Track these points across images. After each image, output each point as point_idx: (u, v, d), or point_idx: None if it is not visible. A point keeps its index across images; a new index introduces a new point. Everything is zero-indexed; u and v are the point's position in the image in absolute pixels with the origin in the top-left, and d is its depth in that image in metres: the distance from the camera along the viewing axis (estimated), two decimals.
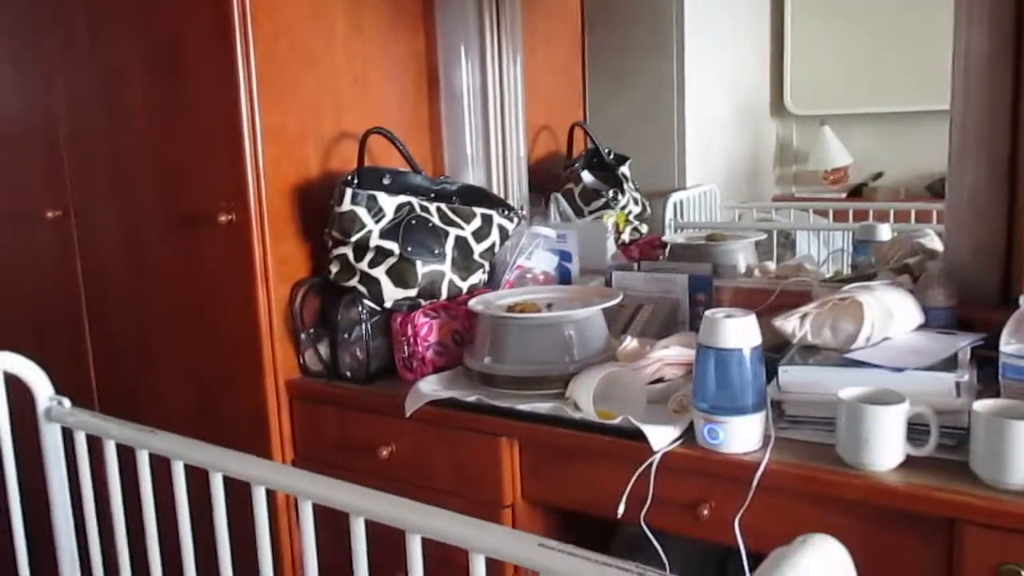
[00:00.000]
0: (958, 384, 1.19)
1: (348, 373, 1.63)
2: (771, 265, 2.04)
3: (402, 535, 0.91)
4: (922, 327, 1.39)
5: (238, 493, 1.10)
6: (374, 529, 0.96)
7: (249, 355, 1.66)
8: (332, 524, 1.03)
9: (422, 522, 0.88)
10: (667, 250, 2.08)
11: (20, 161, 2.01)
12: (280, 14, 1.62)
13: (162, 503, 1.20)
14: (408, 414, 1.48)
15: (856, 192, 2.28)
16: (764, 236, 2.12)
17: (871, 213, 2.12)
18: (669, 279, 1.74)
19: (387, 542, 0.98)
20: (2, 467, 1.31)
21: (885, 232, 1.88)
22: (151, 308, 1.82)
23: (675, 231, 2.22)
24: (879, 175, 2.26)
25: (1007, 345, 1.20)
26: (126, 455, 1.21)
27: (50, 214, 1.94)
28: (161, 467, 1.16)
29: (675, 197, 2.23)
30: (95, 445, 1.25)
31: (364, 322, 1.60)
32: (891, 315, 1.32)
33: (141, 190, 1.78)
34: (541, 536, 0.79)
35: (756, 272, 1.98)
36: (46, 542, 1.37)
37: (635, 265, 1.89)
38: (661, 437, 1.25)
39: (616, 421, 1.30)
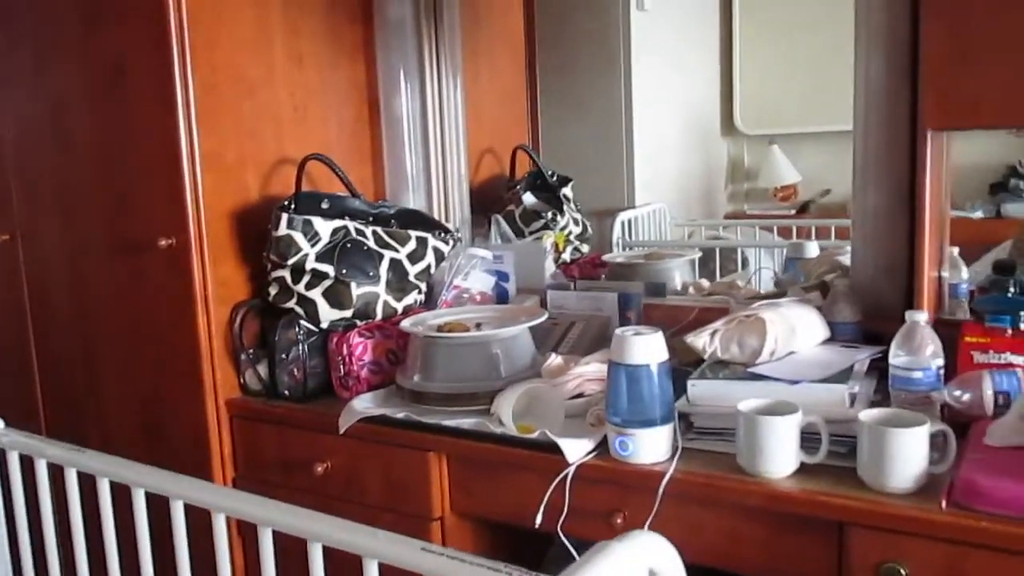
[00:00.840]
0: (851, 395, 1.27)
1: (286, 392, 1.68)
2: (705, 283, 2.12)
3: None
4: (828, 341, 1.47)
5: (167, 510, 1.15)
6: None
7: (190, 375, 1.70)
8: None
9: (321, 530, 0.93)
10: (606, 269, 2.16)
11: None
12: (219, 45, 1.68)
13: (94, 521, 1.25)
14: (342, 431, 1.53)
15: (804, 208, 2.36)
16: (700, 254, 2.19)
17: (814, 229, 2.20)
18: (600, 297, 1.81)
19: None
20: None
21: (813, 250, 1.96)
22: (95, 330, 1.86)
23: (623, 249, 2.29)
24: (827, 192, 2.35)
25: (895, 357, 1.28)
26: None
27: None
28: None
29: (623, 216, 2.30)
30: (30, 465, 1.29)
31: (301, 342, 1.66)
32: (794, 330, 1.40)
33: (85, 215, 1.82)
34: (469, 551, 0.84)
35: (691, 290, 2.06)
36: None
37: (572, 284, 1.96)
38: (576, 449, 1.32)
39: (535, 435, 1.36)
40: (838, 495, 1.15)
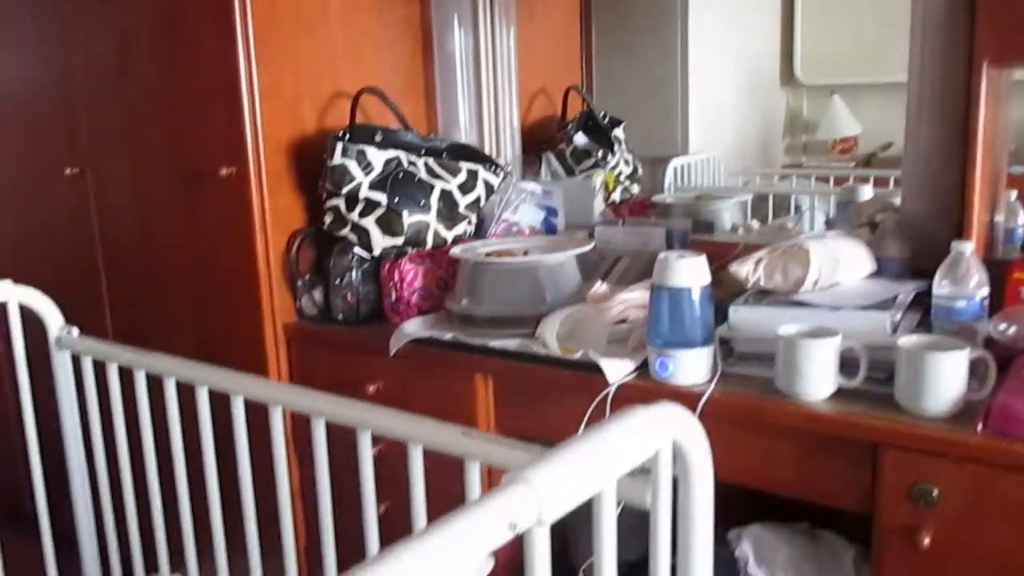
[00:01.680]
0: (892, 323, 1.28)
1: (340, 316, 1.74)
2: (755, 224, 2.12)
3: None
4: (874, 275, 1.47)
5: (227, 409, 1.23)
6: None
7: (249, 300, 1.78)
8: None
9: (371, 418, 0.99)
10: (655, 210, 2.17)
11: (41, 120, 2.14)
12: None
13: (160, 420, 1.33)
14: (392, 352, 1.59)
15: (866, 162, 2.32)
16: (750, 196, 2.19)
17: (872, 180, 2.18)
18: (648, 232, 1.83)
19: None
20: (20, 392, 1.44)
21: (866, 193, 1.95)
22: (160, 256, 1.95)
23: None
24: (888, 145, 2.30)
25: (939, 287, 1.28)
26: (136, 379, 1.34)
27: (68, 171, 2.07)
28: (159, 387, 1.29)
29: (676, 163, 2.30)
30: (102, 370, 1.38)
31: (355, 269, 1.72)
32: (838, 262, 1.40)
33: (149, 147, 1.90)
34: None
35: (740, 230, 2.07)
36: (60, 460, 1.51)
37: (620, 221, 1.98)
38: (617, 370, 1.35)
39: (577, 355, 1.40)
40: (874, 417, 1.17)
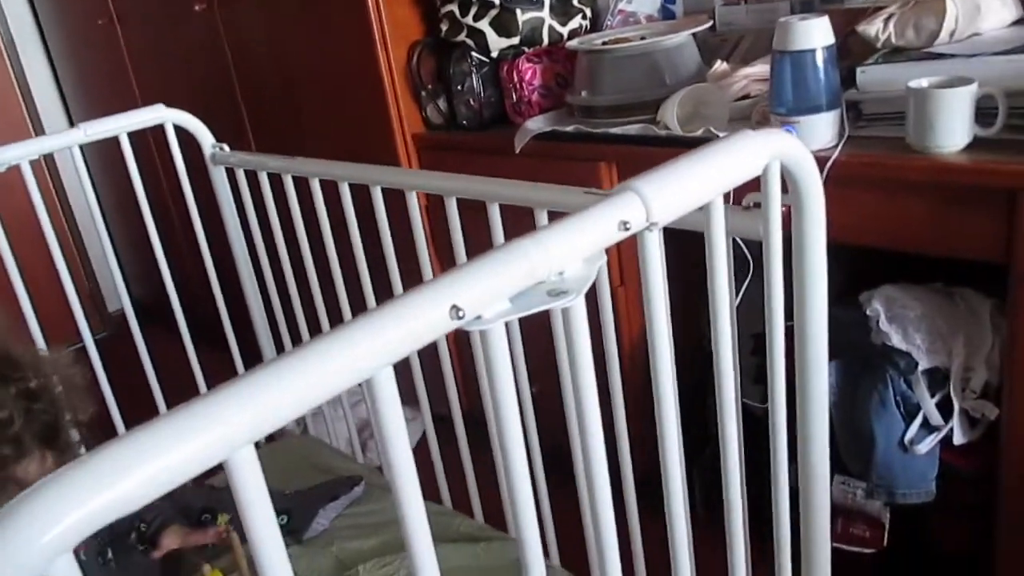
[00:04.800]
0: None
1: (465, 122, 1.80)
2: None
3: None
4: (1018, 23, 1.37)
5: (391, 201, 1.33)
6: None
7: (377, 115, 1.85)
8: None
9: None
10: None
11: None
12: None
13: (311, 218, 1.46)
14: (518, 150, 1.64)
15: None
16: None
17: None
18: (772, 9, 1.75)
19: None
20: (187, 206, 1.60)
21: None
22: (291, 81, 2.04)
23: None
24: None
25: None
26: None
27: (197, 7, 2.16)
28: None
29: None
30: (254, 182, 1.51)
31: (474, 73, 1.75)
32: (978, 9, 1.31)
33: None
34: None
35: None
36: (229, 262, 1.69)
37: (742, 0, 1.89)
38: None
39: (699, 133, 1.40)
40: (1014, 163, 1.13)
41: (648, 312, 0.68)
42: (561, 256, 0.52)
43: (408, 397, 1.54)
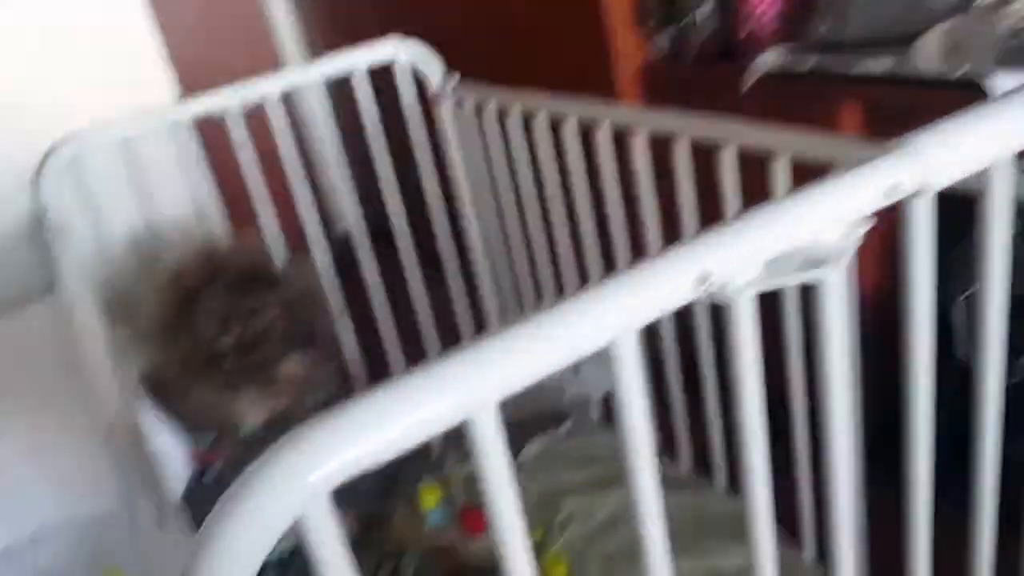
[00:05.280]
0: None
1: (691, 56, 1.71)
2: None
3: None
4: None
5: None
6: None
7: (598, 47, 1.80)
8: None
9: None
10: None
11: None
12: None
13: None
14: (745, 88, 1.54)
15: None
16: None
17: None
18: None
19: None
20: (412, 139, 1.65)
21: None
22: (510, 13, 2.03)
23: None
24: None
25: None
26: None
27: None
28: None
29: None
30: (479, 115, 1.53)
31: (704, 4, 1.65)
32: None
33: None
34: None
35: None
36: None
37: None
38: (1008, 88, 1.19)
39: (961, 72, 1.25)
40: None
41: (908, 294, 0.61)
42: (823, 220, 0.48)
43: None
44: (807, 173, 1.01)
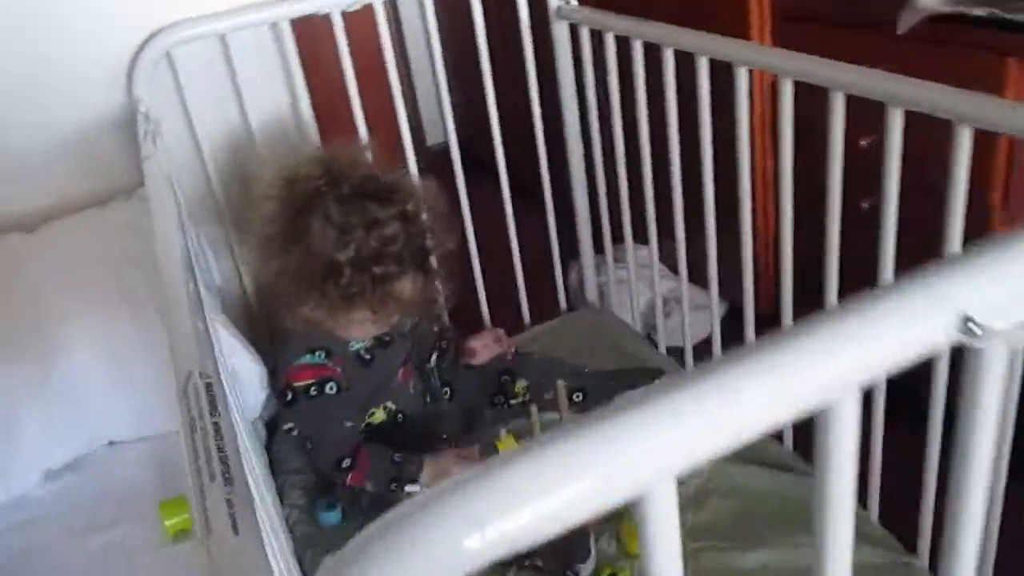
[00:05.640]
0: None
1: None
2: None
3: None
4: None
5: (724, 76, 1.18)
6: None
7: None
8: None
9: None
10: None
11: None
12: None
13: (655, 89, 1.33)
14: (901, 31, 1.37)
15: None
16: None
17: None
18: None
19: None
20: (525, 62, 1.53)
21: None
22: None
23: None
24: None
25: None
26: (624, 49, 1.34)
27: None
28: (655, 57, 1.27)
29: None
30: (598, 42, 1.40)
31: None
32: None
33: None
34: None
35: None
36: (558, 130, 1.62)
37: None
38: None
39: None
40: None
41: None
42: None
43: (699, 277, 1.43)
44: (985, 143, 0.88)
